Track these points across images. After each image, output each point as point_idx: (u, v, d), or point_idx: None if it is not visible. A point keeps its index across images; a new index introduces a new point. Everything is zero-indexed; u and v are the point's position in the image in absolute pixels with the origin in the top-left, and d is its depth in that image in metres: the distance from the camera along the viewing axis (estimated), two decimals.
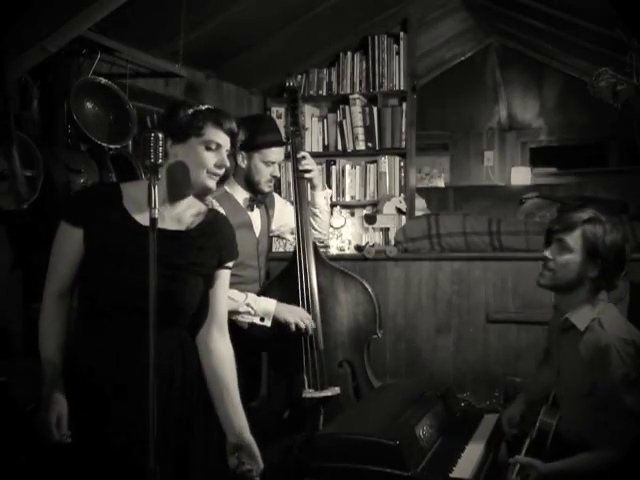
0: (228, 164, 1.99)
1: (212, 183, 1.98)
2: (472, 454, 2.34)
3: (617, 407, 2.13)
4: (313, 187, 3.09)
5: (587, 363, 2.22)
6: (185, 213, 2.00)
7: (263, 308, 2.85)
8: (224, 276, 2.08)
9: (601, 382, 2.16)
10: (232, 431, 2.01)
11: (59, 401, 1.87)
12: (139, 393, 1.74)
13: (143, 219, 1.91)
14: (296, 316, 2.86)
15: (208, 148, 1.94)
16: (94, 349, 1.91)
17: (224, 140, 1.97)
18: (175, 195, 1.97)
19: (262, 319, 2.84)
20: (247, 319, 2.80)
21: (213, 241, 2.03)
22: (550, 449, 2.14)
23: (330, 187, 5.18)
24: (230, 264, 2.10)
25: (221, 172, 1.99)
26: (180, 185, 1.96)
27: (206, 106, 1.98)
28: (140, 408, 1.70)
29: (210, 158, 1.95)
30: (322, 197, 3.14)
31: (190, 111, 1.94)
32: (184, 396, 1.99)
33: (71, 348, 1.95)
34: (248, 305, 2.80)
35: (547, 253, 2.31)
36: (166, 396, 1.90)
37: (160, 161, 1.74)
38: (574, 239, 2.26)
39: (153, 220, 1.69)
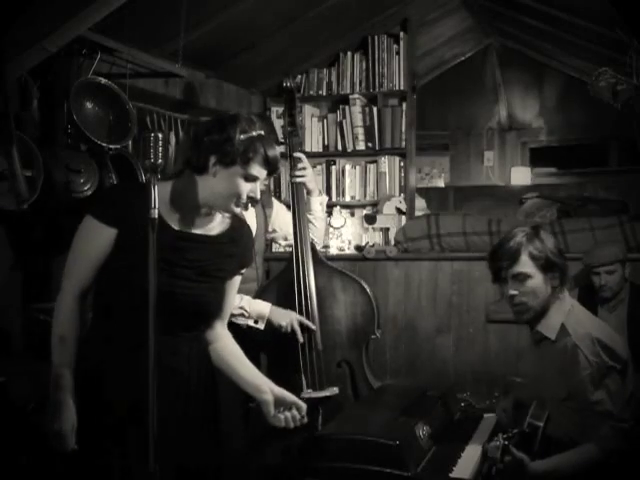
0: (259, 196, 1.95)
1: (236, 211, 1.96)
2: (472, 454, 2.34)
3: (590, 407, 2.17)
4: (308, 192, 3.09)
5: (560, 369, 2.27)
6: (213, 218, 2.00)
7: (257, 311, 2.86)
8: (237, 279, 2.12)
9: (574, 385, 2.21)
10: (262, 391, 2.05)
11: (72, 408, 1.85)
12: (159, 396, 1.72)
13: (175, 222, 1.93)
14: (290, 319, 2.87)
15: (247, 179, 1.90)
16: (113, 351, 1.89)
17: (264, 174, 1.93)
18: (201, 208, 1.96)
19: (256, 322, 2.86)
20: (240, 321, 2.80)
21: (237, 249, 2.05)
22: (539, 449, 2.16)
23: (330, 187, 5.18)
24: (244, 270, 2.14)
25: (246, 201, 1.95)
26: (207, 205, 1.95)
27: (258, 132, 1.91)
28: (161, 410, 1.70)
29: (245, 188, 1.91)
30: (318, 203, 3.14)
31: (242, 137, 1.87)
32: (198, 397, 2.00)
33: (85, 348, 1.92)
34: (242, 308, 2.81)
35: (511, 291, 2.30)
36: (184, 398, 1.93)
37: (160, 161, 1.73)
38: (526, 265, 2.28)
39: (153, 220, 1.70)
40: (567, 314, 2.31)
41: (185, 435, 1.94)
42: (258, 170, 1.90)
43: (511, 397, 2.68)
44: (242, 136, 1.88)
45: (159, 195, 1.79)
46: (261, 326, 2.86)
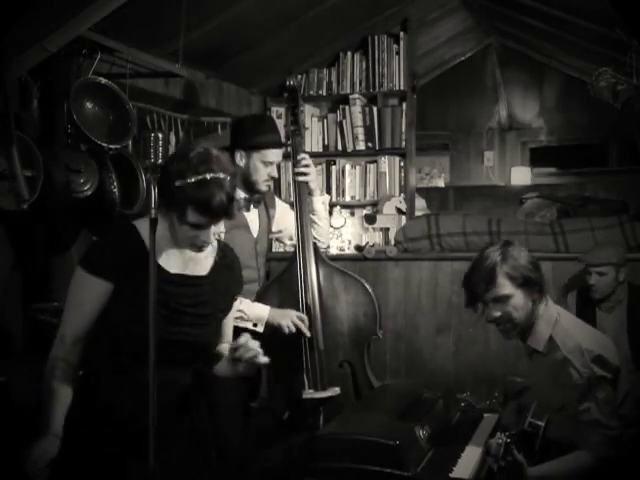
0: (211, 240, 1.88)
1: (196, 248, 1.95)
2: (472, 454, 2.34)
3: (581, 417, 2.19)
4: (310, 192, 3.08)
5: (553, 381, 2.29)
6: (200, 255, 1.95)
7: (256, 314, 2.86)
8: (234, 305, 2.12)
9: (566, 396, 2.23)
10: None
11: (56, 447, 1.84)
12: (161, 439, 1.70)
13: (168, 264, 1.89)
14: (289, 317, 2.87)
15: (192, 226, 1.84)
16: (120, 394, 1.89)
17: (203, 220, 1.83)
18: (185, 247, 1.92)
19: (255, 325, 2.85)
20: (239, 324, 2.79)
21: (228, 281, 2.04)
22: (539, 450, 2.16)
23: (330, 187, 5.18)
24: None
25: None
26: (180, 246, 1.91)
27: (201, 177, 1.78)
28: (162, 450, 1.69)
29: (190, 234, 1.86)
30: (320, 202, 3.14)
31: (178, 184, 1.77)
32: (195, 430, 2.01)
33: (93, 390, 1.92)
34: (241, 311, 2.80)
35: (494, 314, 2.30)
36: (180, 432, 1.93)
37: (160, 161, 1.73)
38: (504, 287, 2.27)
39: (152, 220, 1.69)
40: (554, 325, 2.31)
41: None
42: (199, 219, 1.79)
43: (512, 405, 2.67)
44: (177, 183, 1.76)
45: (146, 233, 1.73)
46: (260, 329, 2.86)
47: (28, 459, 1.83)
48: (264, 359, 1.88)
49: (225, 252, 2.04)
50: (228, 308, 2.06)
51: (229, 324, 2.13)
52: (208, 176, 1.75)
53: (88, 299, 1.88)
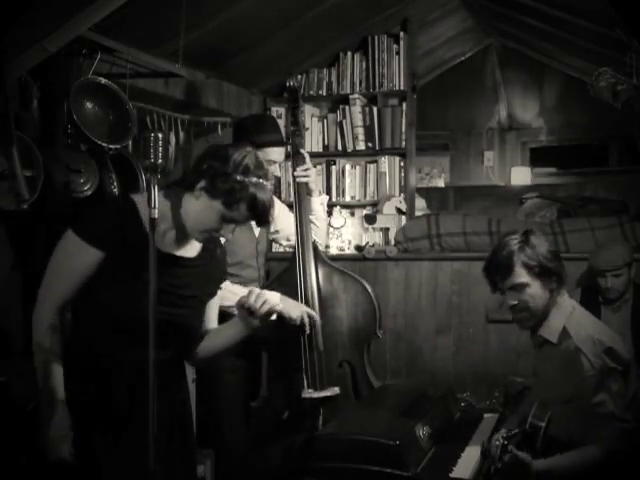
0: (230, 237, 1.97)
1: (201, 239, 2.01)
2: (472, 454, 2.35)
3: (593, 409, 2.18)
4: (309, 192, 3.09)
5: (563, 372, 2.27)
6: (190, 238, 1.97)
7: None
8: (219, 292, 2.12)
9: (577, 387, 2.22)
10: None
11: (67, 418, 1.85)
12: (140, 418, 1.73)
13: (162, 244, 1.89)
14: (301, 311, 2.86)
15: (224, 219, 1.89)
16: (106, 373, 1.89)
17: (246, 220, 1.93)
18: (179, 228, 1.94)
19: None
20: None
21: (213, 267, 2.04)
22: (540, 449, 2.16)
23: (330, 187, 5.18)
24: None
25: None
26: (181, 225, 1.93)
27: (258, 181, 1.87)
28: (143, 426, 1.69)
29: (220, 226, 1.92)
30: (318, 203, 3.14)
31: (239, 179, 1.84)
32: (178, 414, 2.03)
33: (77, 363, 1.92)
34: None
35: (511, 302, 2.30)
36: (166, 418, 1.91)
37: (160, 161, 1.73)
38: (520, 275, 2.27)
39: (152, 220, 1.69)
40: (568, 317, 2.30)
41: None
42: (240, 215, 1.86)
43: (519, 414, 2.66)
44: (239, 177, 1.83)
45: (146, 212, 1.74)
46: (273, 316, 2.84)
47: (48, 439, 1.83)
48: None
49: (212, 239, 2.05)
50: (212, 293, 2.06)
51: (214, 308, 2.12)
52: (265, 182, 1.87)
53: (76, 266, 1.87)
